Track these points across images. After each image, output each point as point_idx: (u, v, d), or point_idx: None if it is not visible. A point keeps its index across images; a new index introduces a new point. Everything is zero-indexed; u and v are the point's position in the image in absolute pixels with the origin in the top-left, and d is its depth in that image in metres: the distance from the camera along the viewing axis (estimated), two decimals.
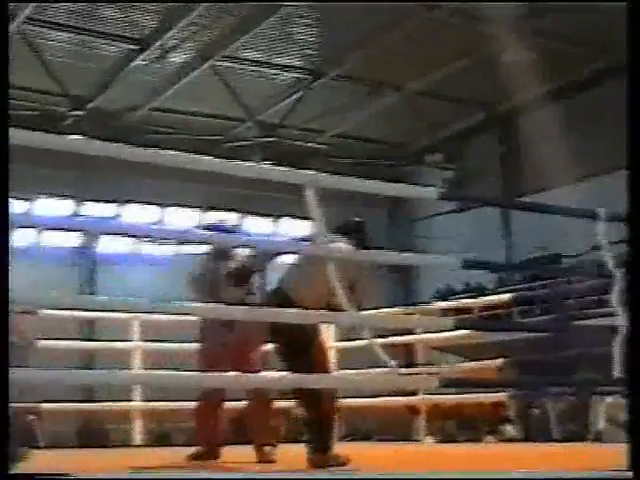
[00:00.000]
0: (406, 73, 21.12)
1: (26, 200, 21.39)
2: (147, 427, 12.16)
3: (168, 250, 23.39)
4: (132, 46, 19.03)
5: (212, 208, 24.14)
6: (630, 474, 3.84)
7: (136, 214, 23.05)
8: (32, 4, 16.87)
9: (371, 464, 6.29)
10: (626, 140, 4.43)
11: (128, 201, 23.07)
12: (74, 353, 16.68)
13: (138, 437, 11.32)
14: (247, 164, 4.97)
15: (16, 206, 21.02)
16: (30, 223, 20.34)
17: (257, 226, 24.69)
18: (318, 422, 6.70)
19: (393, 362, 5.67)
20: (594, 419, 17.89)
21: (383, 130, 24.26)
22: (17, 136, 4.20)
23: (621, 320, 5.62)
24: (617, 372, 5.55)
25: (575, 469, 4.89)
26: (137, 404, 11.16)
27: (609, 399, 17.09)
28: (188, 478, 3.88)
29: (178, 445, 13.25)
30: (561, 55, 19.36)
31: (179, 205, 23.75)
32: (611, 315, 5.81)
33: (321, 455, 6.51)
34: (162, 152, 4.54)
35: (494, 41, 18.60)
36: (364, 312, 5.85)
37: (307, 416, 6.74)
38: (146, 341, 11.31)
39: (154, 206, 23.53)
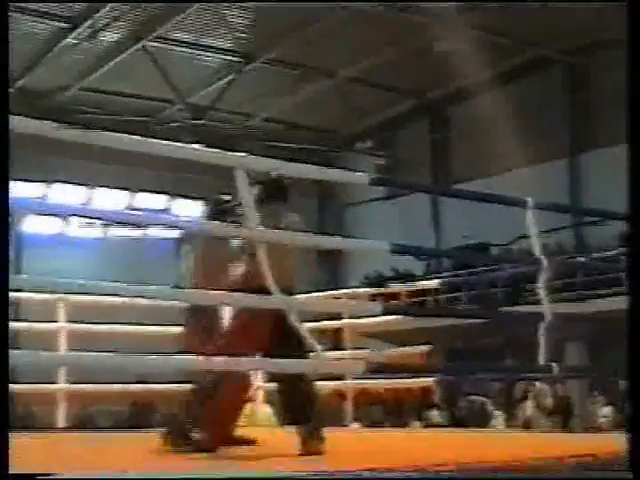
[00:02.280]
0: (338, 60, 21.14)
1: None
2: (71, 410, 12.04)
3: (94, 233, 23.24)
4: (62, 24, 18.77)
5: (141, 190, 24.03)
6: (630, 474, 3.88)
7: (63, 195, 22.81)
8: None
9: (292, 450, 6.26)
10: (626, 140, 4.45)
11: (55, 181, 22.82)
12: None
13: (61, 420, 11.20)
14: (179, 145, 4.90)
15: None
16: None
17: (186, 209, 24.55)
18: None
19: (320, 347, 5.65)
20: (522, 405, 18.18)
21: (314, 116, 24.27)
22: None
23: (546, 308, 5.67)
24: (542, 359, 5.60)
25: (496, 457, 4.89)
26: (62, 386, 11.04)
27: (537, 385, 17.39)
28: (188, 478, 3.84)
29: (102, 428, 13.22)
30: (491, 46, 19.49)
31: (107, 187, 23.56)
32: (537, 303, 5.87)
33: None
34: (92, 132, 4.45)
35: (426, 31, 18.71)
36: (291, 296, 5.84)
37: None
38: (71, 322, 11.19)
39: (81, 187, 23.32)
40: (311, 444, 6.30)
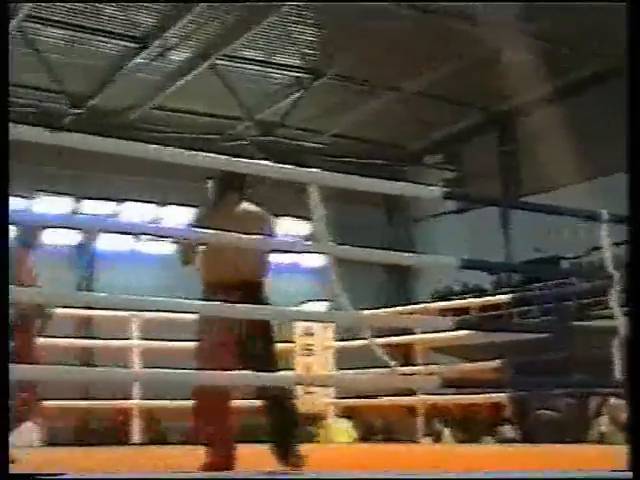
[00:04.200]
0: (404, 74, 21.11)
1: (26, 198, 21.39)
2: (145, 425, 12.15)
3: (164, 249, 23.39)
4: (132, 44, 19.00)
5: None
6: (630, 474, 3.83)
7: (134, 212, 23.02)
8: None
9: (363, 465, 6.26)
10: (626, 140, 4.41)
11: (125, 199, 23.05)
12: (73, 351, 16.60)
13: (136, 436, 11.30)
14: (252, 161, 4.93)
15: (16, 204, 21.02)
16: (30, 221, 20.21)
17: None
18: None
19: (393, 362, 5.64)
20: (596, 420, 17.93)
21: (380, 131, 24.24)
22: (20, 132, 4.17)
23: (620, 322, 5.60)
24: (617, 373, 5.53)
25: (573, 470, 4.86)
26: (135, 402, 11.14)
27: (612, 400, 17.14)
28: (188, 478, 3.86)
29: (174, 444, 13.28)
30: (559, 56, 19.33)
31: (176, 204, 23.72)
32: (610, 317, 5.80)
33: None
34: (163, 149, 4.50)
35: (492, 42, 18.61)
36: (364, 312, 5.83)
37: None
38: (144, 339, 11.29)
39: (151, 204, 23.52)
40: (288, 460, 6.32)
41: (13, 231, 8.18)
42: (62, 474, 3.66)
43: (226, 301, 5.68)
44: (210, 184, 7.02)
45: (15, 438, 14.30)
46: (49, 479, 3.62)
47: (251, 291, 6.43)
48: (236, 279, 6.37)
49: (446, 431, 18.37)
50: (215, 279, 6.49)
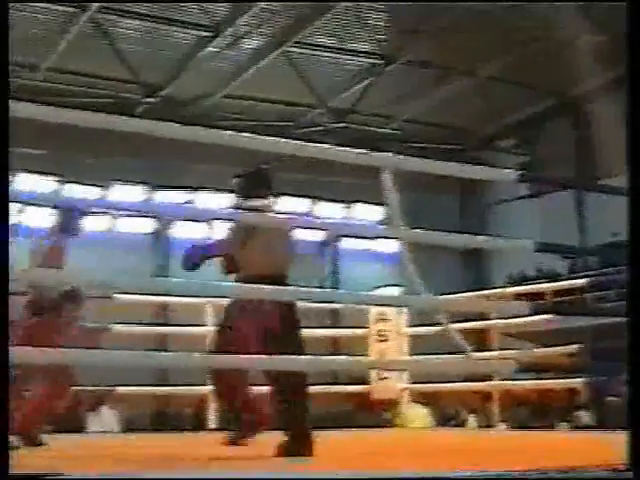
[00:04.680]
0: (477, 58, 20.95)
1: (101, 187, 21.69)
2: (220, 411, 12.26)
3: None
4: (204, 33, 19.12)
5: (282, 194, 24.27)
6: (630, 474, 3.80)
7: (205, 200, 23.17)
8: None
9: (442, 453, 6.24)
10: (626, 140, 4.37)
11: (198, 188, 23.21)
12: (148, 338, 16.80)
13: (212, 421, 11.40)
14: (324, 146, 4.94)
15: (91, 193, 21.31)
16: (105, 209, 20.47)
17: (329, 212, 24.74)
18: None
19: (468, 347, 5.62)
20: None
21: (453, 116, 24.11)
22: (95, 120, 4.22)
23: None
24: None
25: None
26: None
27: None
28: (188, 478, 3.89)
29: None
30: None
31: None
32: None
33: None
34: (236, 135, 4.52)
35: (564, 26, 18.41)
36: (439, 297, 5.82)
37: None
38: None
39: (222, 192, 23.66)
40: (294, 447, 6.26)
41: (54, 216, 8.24)
42: (62, 474, 3.70)
43: None
44: (237, 181, 7.15)
45: (92, 423, 14.57)
46: (49, 479, 3.67)
47: (281, 283, 6.55)
48: (270, 272, 6.46)
49: (520, 417, 18.26)
50: (250, 273, 6.54)
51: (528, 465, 4.43)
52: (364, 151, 5.03)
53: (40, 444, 7.77)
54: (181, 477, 3.76)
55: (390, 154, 4.98)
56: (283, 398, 6.58)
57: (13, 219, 21.09)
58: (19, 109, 3.84)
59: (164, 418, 19.82)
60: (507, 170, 5.91)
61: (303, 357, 4.82)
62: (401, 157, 5.07)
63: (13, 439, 7.11)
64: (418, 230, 4.98)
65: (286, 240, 6.81)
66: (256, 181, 7.07)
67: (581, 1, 17.83)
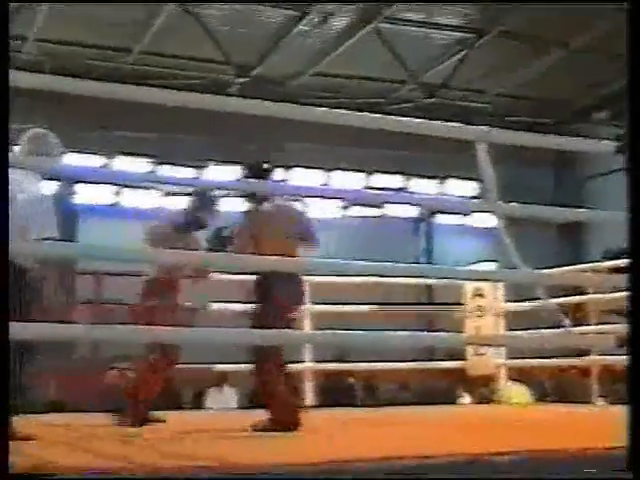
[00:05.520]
0: (570, 30, 20.61)
1: (196, 168, 21.90)
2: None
3: (335, 213, 23.58)
4: (293, 12, 19.12)
5: (376, 171, 24.25)
6: (630, 474, 3.72)
7: (301, 178, 23.22)
8: None
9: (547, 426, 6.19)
10: (626, 140, 4.27)
11: (294, 166, 23.28)
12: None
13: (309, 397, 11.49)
14: (419, 120, 4.92)
15: (186, 174, 21.52)
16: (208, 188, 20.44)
17: (422, 188, 24.68)
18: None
19: (567, 321, 5.57)
20: None
21: (546, 89, 23.73)
22: (191, 99, 4.25)
23: None
24: None
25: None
26: (309, 365, 11.33)
27: None
28: (188, 478, 3.90)
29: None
30: None
31: (343, 169, 23.89)
32: None
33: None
34: (331, 111, 4.53)
35: None
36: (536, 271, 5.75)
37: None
38: (315, 303, 11.45)
39: (319, 170, 23.73)
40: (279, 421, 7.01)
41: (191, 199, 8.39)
42: (61, 474, 3.74)
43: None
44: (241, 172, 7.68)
45: (212, 401, 14.88)
46: (49, 479, 3.70)
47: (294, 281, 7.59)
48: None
49: (619, 393, 18.01)
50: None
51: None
52: (457, 125, 5.00)
53: (157, 420, 7.91)
54: (184, 478, 3.79)
55: (485, 127, 4.94)
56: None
57: (128, 201, 21.51)
58: (118, 91, 3.88)
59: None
60: (604, 142, 5.81)
61: (401, 333, 4.81)
62: (495, 130, 5.03)
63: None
64: (514, 204, 4.93)
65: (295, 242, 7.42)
66: (259, 170, 7.54)
67: (581, 1, 17.67)
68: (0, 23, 4.16)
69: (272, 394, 7.40)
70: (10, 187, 6.07)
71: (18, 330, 4.34)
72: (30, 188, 6.38)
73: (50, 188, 21.28)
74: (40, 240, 6.16)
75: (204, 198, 8.38)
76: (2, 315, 3.66)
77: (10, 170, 6.00)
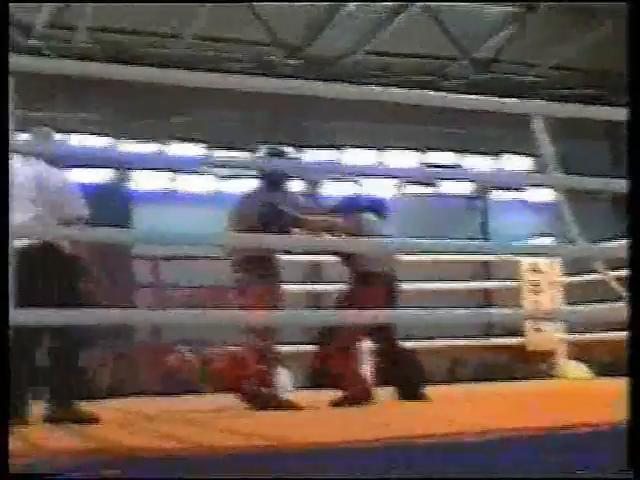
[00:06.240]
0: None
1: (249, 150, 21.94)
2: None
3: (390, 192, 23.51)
4: None
5: (430, 149, 24.12)
6: (630, 474, 3.67)
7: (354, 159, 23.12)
8: None
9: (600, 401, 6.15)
10: (626, 139, 4.22)
11: (345, 146, 23.21)
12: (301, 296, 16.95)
13: None
14: (473, 97, 4.90)
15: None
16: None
17: (476, 165, 24.51)
18: None
19: (626, 294, 5.52)
20: None
21: (601, 60, 23.41)
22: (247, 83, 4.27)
23: None
24: None
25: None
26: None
27: None
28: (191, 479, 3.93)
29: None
30: None
31: (396, 147, 23.78)
32: None
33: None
34: (382, 89, 4.52)
35: None
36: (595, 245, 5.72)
37: None
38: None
39: (370, 150, 23.63)
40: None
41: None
42: (61, 474, 3.76)
43: None
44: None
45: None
46: (49, 479, 3.73)
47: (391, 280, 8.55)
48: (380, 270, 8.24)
49: None
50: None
51: None
52: (512, 100, 4.96)
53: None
54: (188, 478, 3.81)
55: (541, 101, 4.90)
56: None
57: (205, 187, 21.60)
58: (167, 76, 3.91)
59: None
60: None
61: (461, 310, 4.82)
62: (550, 103, 5.00)
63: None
64: (573, 176, 4.90)
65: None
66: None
67: (581, 1, 17.45)
68: (0, 23, 4.19)
69: (344, 373, 7.71)
70: (37, 177, 6.86)
71: (51, 316, 4.39)
72: (54, 177, 7.00)
73: (105, 175, 21.43)
74: (72, 219, 6.77)
75: (275, 181, 8.25)
76: (2, 315, 3.68)
77: (33, 162, 6.86)
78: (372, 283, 7.86)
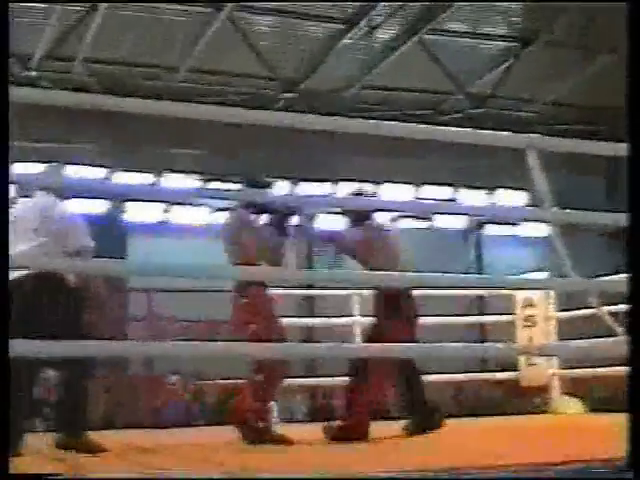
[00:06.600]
0: (619, 35, 20.41)
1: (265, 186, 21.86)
2: None
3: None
4: (338, 25, 19.17)
5: (425, 183, 24.16)
6: (630, 474, 3.67)
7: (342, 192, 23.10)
8: None
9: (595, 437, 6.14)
10: (626, 139, 4.25)
11: (338, 180, 23.20)
12: (295, 330, 16.93)
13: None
14: (468, 130, 4.91)
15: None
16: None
17: (471, 199, 24.54)
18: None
19: (620, 329, 5.52)
20: None
21: (596, 96, 23.51)
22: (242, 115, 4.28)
23: None
24: None
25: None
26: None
27: None
28: (189, 478, 3.90)
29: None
30: None
31: (392, 181, 23.80)
32: None
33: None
34: (382, 123, 4.54)
35: None
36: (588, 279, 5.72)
37: None
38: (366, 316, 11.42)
39: (367, 183, 23.60)
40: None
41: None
42: (61, 474, 3.75)
43: None
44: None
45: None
46: (49, 479, 3.71)
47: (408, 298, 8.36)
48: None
49: None
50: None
51: None
52: (507, 133, 4.99)
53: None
54: (185, 477, 3.79)
55: (536, 135, 4.93)
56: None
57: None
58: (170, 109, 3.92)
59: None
60: None
61: (454, 345, 4.80)
62: (545, 137, 5.01)
63: None
64: (568, 211, 4.91)
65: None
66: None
67: (581, 1, 17.57)
68: (0, 23, 4.19)
69: (359, 405, 7.72)
70: (41, 208, 6.95)
71: (50, 347, 4.37)
72: (58, 208, 7.08)
73: (100, 206, 21.41)
74: (76, 250, 6.81)
75: (280, 216, 8.16)
76: (2, 316, 3.67)
77: (39, 194, 7.00)
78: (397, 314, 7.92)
